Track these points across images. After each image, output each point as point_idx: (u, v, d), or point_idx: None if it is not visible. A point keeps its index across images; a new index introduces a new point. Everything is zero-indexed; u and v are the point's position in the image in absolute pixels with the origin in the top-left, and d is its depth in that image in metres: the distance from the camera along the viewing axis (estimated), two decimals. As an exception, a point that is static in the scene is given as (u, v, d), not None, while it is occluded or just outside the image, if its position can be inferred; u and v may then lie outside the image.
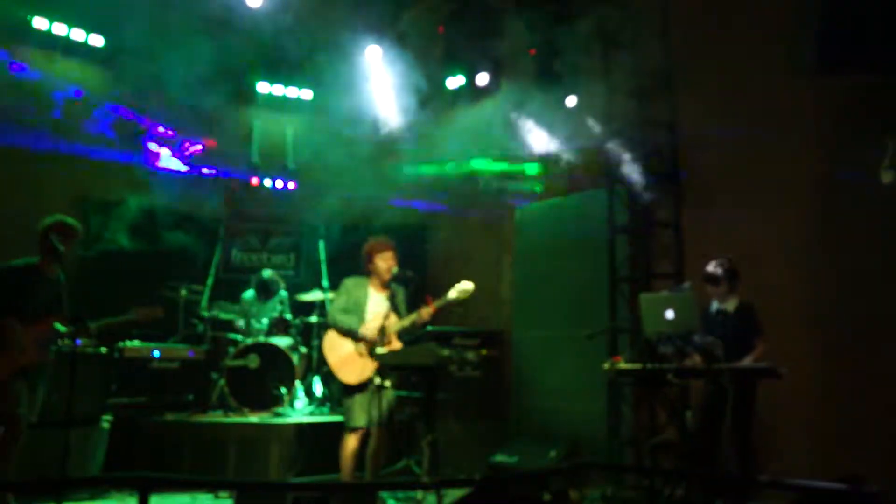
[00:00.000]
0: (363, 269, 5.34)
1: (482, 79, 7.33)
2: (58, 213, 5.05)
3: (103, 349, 6.18)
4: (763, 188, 5.92)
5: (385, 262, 5.24)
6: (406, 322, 5.16)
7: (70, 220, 4.98)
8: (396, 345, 5.17)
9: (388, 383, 5.14)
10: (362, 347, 5.17)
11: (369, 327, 5.15)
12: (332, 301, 5.38)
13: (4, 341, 4.63)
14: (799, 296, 5.64)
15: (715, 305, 5.42)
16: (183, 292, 7.15)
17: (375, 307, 5.25)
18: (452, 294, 5.11)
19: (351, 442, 5.12)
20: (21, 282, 4.76)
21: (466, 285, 5.11)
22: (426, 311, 5.10)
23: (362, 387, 5.11)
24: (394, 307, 5.24)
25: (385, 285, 5.30)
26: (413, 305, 5.28)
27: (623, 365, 5.32)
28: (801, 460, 5.35)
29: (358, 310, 5.22)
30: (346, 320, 5.18)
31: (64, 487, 3.90)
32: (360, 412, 5.10)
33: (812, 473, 5.17)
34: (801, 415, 5.49)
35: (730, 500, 4.85)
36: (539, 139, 7.13)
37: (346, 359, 5.15)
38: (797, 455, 5.40)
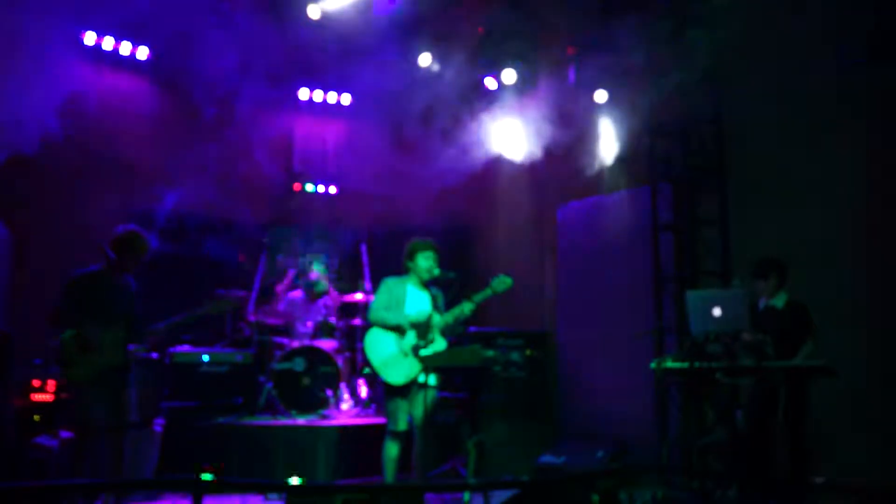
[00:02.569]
0: (403, 266, 5.35)
1: (509, 76, 7.24)
2: (110, 223, 5.23)
3: (154, 354, 6.35)
4: (811, 183, 5.78)
5: (426, 261, 5.24)
6: (449, 318, 5.15)
7: (138, 233, 5.10)
8: (440, 343, 5.16)
9: (431, 381, 5.13)
10: (406, 347, 5.17)
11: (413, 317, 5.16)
12: (373, 300, 5.38)
13: (85, 344, 4.79)
14: (850, 291, 5.49)
15: (763, 302, 5.32)
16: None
17: (415, 305, 5.26)
18: (491, 288, 5.10)
19: (393, 446, 5.12)
20: (93, 286, 4.92)
21: (504, 278, 5.10)
22: (468, 307, 5.10)
23: (406, 388, 5.10)
24: (434, 307, 5.24)
25: (425, 285, 5.31)
26: (454, 305, 5.27)
27: (671, 364, 5.24)
28: (856, 462, 5.20)
29: (398, 307, 5.22)
30: (390, 316, 5.19)
31: (123, 489, 4.02)
32: (403, 415, 5.09)
33: (868, 475, 5.05)
34: (856, 414, 5.33)
35: (784, 503, 4.75)
36: (579, 136, 7.07)
37: (389, 359, 5.14)
38: (853, 456, 5.25)
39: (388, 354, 5.15)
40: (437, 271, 5.25)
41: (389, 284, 5.33)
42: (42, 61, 5.83)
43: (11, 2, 5.66)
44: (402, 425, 5.09)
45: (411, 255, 5.28)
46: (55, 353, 4.90)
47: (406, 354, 5.13)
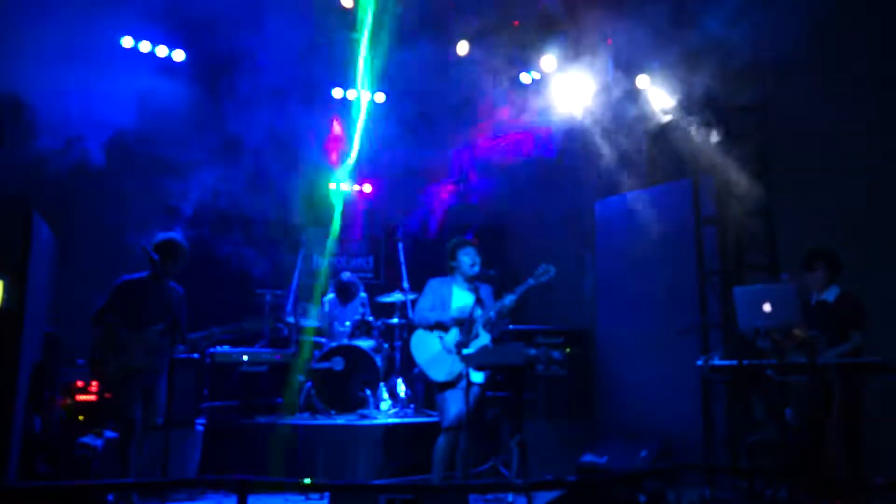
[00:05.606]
0: (447, 266, 5.35)
1: (549, 63, 7.08)
2: (147, 224, 5.32)
3: (195, 355, 6.38)
4: (859, 170, 5.59)
5: (467, 257, 5.25)
6: (492, 313, 5.12)
7: (176, 238, 5.24)
8: (484, 337, 5.12)
9: (477, 379, 5.08)
10: (450, 344, 5.15)
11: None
12: (417, 300, 5.37)
13: (113, 344, 4.93)
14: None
15: (814, 296, 5.16)
16: (268, 297, 7.31)
17: (461, 303, 5.24)
18: (534, 278, 5.04)
19: (446, 440, 5.10)
20: (133, 293, 5.07)
21: (548, 267, 5.03)
22: (510, 299, 5.06)
23: (452, 384, 5.09)
24: (479, 304, 5.21)
25: (469, 282, 5.27)
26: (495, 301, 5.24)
27: (719, 362, 5.12)
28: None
29: (443, 307, 5.25)
30: (434, 316, 5.18)
31: (168, 488, 4.05)
32: (454, 409, 5.07)
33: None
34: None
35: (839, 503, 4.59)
36: (618, 127, 6.94)
37: (434, 357, 5.15)
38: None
39: (434, 353, 5.17)
40: (476, 268, 5.23)
41: (434, 285, 5.36)
42: (90, 67, 5.92)
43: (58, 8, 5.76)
44: (455, 419, 5.08)
45: (453, 254, 5.32)
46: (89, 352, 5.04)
47: (450, 352, 5.12)
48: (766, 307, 4.79)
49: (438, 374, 5.10)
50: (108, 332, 4.95)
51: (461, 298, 5.25)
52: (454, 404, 5.05)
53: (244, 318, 5.24)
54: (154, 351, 5.03)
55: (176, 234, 5.32)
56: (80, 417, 5.83)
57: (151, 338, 5.01)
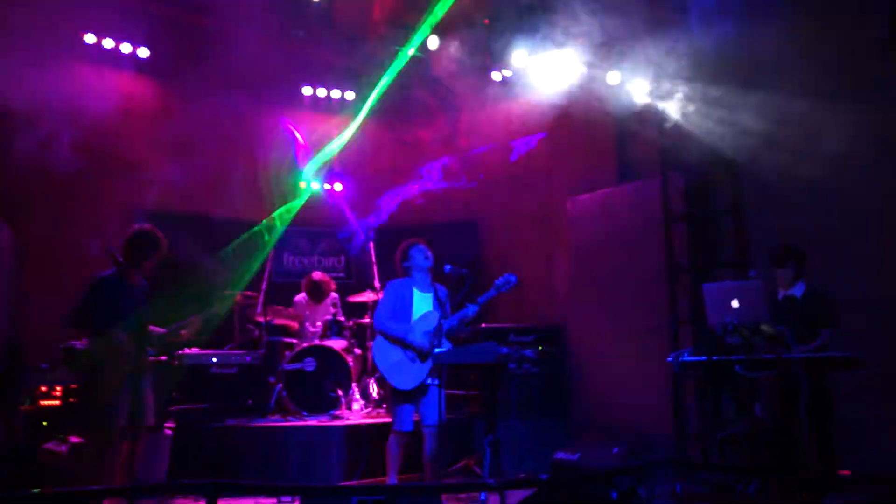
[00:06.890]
0: (403, 270, 5.33)
1: (520, 58, 7.06)
2: (110, 225, 5.18)
3: (163, 357, 6.26)
4: (828, 168, 5.67)
5: (420, 253, 5.27)
6: (454, 321, 5.12)
7: (146, 231, 5.07)
8: (445, 346, 5.11)
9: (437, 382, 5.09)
10: (413, 353, 5.13)
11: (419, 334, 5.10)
12: (377, 305, 5.35)
13: (115, 354, 4.75)
14: (875, 278, 5.38)
15: (782, 292, 5.23)
16: (238, 298, 7.21)
17: (422, 307, 5.22)
18: (496, 288, 5.04)
19: (396, 444, 5.14)
20: (107, 291, 4.87)
21: (509, 277, 5.04)
22: (472, 309, 5.07)
23: (412, 392, 5.09)
24: (438, 305, 5.19)
25: (427, 282, 5.27)
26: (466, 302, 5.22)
27: (689, 358, 5.16)
28: (885, 455, 5.10)
29: (404, 311, 5.21)
30: (396, 327, 5.15)
31: (136, 493, 3.96)
32: (409, 417, 5.11)
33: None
34: (885, 406, 5.23)
35: (808, 497, 4.65)
36: (589, 125, 6.95)
37: (396, 364, 5.12)
38: (882, 449, 5.15)
39: (396, 360, 5.14)
40: (430, 262, 5.22)
41: (394, 287, 5.33)
42: (52, 64, 5.78)
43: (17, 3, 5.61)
44: (408, 426, 5.11)
45: (405, 255, 5.32)
46: (80, 362, 4.85)
47: (413, 360, 5.11)
48: (735, 303, 4.84)
49: (400, 382, 5.09)
50: (103, 337, 4.77)
51: (421, 301, 5.24)
52: (410, 413, 5.10)
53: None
54: (143, 350, 4.91)
55: (146, 226, 5.14)
56: (44, 423, 5.70)
57: (140, 337, 4.88)
